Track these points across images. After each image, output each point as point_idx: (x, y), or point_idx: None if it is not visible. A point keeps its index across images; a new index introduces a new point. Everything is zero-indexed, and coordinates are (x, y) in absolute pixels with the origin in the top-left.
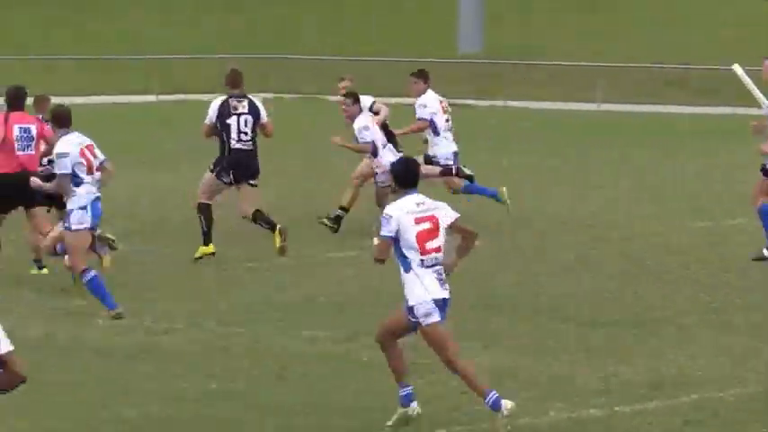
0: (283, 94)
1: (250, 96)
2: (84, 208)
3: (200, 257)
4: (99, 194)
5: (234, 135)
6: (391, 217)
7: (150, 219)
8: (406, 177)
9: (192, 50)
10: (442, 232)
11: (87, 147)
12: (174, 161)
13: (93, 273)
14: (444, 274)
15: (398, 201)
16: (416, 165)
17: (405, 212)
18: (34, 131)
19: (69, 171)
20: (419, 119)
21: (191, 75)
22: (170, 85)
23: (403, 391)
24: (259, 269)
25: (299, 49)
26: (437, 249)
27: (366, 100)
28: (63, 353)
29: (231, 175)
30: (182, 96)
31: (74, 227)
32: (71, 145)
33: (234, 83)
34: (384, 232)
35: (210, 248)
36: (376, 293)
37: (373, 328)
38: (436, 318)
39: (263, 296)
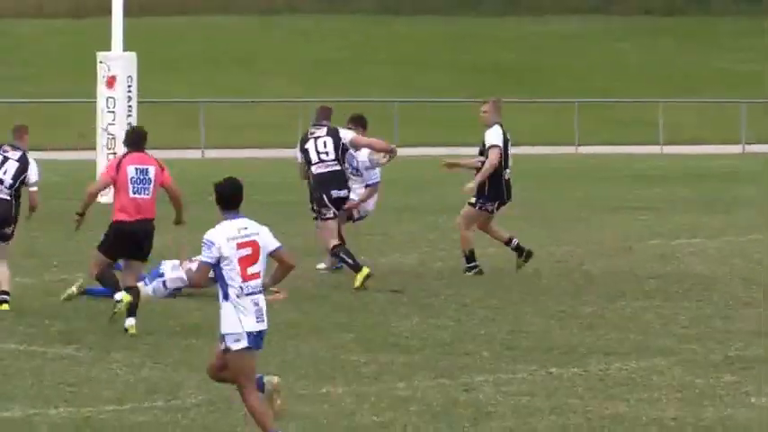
0: None
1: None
2: None
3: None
4: None
5: (314, 158)
6: (213, 243)
7: None
8: (230, 199)
9: None
10: (261, 258)
11: None
12: None
13: None
14: (264, 303)
15: (220, 225)
16: (241, 186)
17: (226, 239)
18: (152, 174)
19: None
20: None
21: None
22: None
23: None
24: None
25: None
26: (257, 275)
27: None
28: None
29: (327, 202)
30: None
31: None
32: None
33: (317, 117)
34: (205, 257)
35: (366, 271)
36: None
37: None
38: (244, 344)
39: None
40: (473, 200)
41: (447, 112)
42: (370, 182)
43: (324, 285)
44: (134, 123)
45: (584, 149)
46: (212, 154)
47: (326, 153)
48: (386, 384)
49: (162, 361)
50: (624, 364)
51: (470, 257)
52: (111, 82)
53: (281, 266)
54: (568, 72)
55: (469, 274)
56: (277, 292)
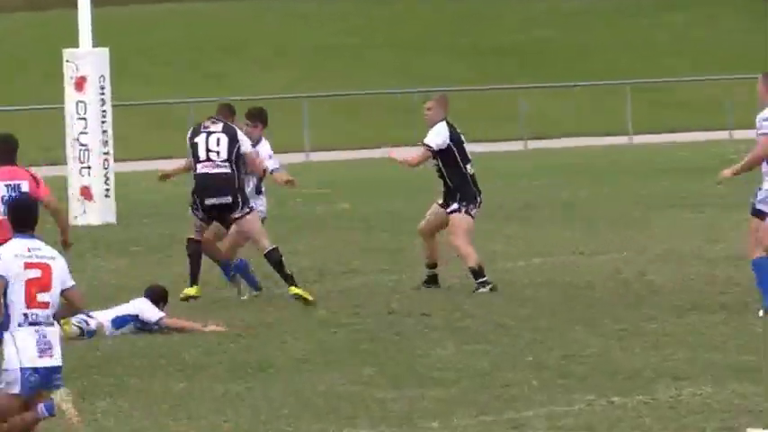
0: None
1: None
2: None
3: (185, 299)
4: None
5: (201, 154)
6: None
7: None
8: (21, 219)
9: None
10: (54, 287)
11: None
12: None
13: None
14: (55, 337)
15: (9, 243)
16: (33, 207)
17: (13, 255)
18: (26, 189)
19: None
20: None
21: None
22: None
23: None
24: None
25: None
26: (45, 305)
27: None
28: None
29: (199, 207)
30: None
31: None
32: None
33: (217, 112)
34: None
35: (194, 291)
36: None
37: None
38: (15, 390)
39: None
40: (454, 206)
41: (462, 101)
42: (272, 168)
43: (339, 310)
44: (109, 131)
45: (638, 138)
46: None
47: (217, 153)
48: (418, 424)
49: (154, 408)
50: (697, 389)
51: (480, 272)
52: (80, 83)
53: (69, 306)
54: (604, 52)
55: (483, 290)
56: (215, 324)
